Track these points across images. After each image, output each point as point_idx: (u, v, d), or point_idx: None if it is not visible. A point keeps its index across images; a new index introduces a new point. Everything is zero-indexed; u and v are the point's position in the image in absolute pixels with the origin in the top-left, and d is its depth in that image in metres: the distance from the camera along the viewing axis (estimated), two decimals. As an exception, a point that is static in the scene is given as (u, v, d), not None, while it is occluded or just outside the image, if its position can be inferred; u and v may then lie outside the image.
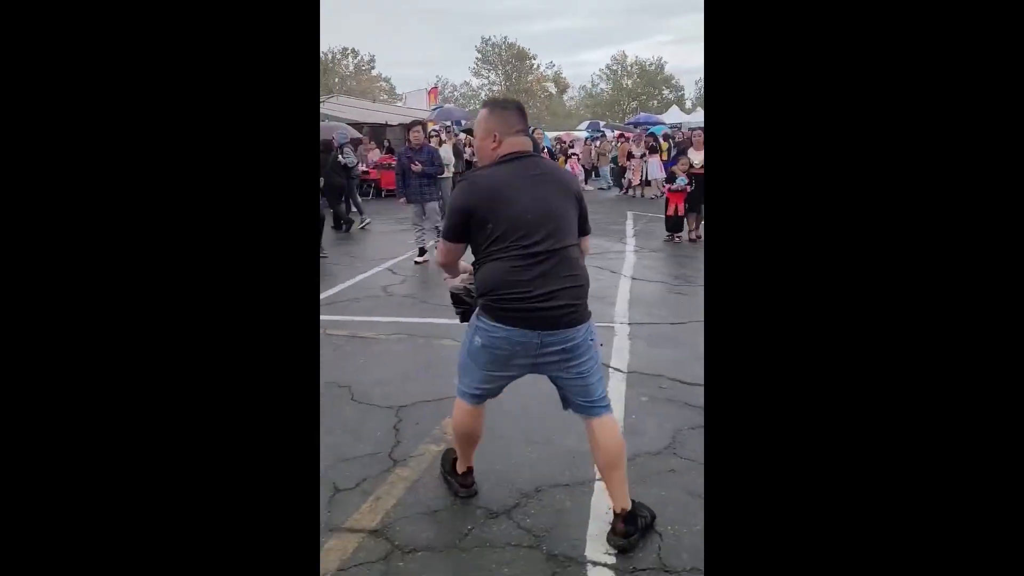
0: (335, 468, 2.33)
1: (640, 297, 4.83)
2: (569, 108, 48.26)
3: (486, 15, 68.37)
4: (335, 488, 2.21)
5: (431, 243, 6.09)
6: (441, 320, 4.13)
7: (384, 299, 4.94)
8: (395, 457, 2.44)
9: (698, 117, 23.93)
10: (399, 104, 24.85)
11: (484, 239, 1.79)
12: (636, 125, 22.46)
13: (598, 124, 24.51)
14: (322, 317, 4.19)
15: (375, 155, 13.74)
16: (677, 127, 21.25)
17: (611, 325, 4.06)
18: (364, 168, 12.70)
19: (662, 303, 4.72)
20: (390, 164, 11.33)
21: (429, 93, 23.42)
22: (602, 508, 2.05)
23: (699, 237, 7.15)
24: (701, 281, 5.27)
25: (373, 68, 46.52)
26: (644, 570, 1.78)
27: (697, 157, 7.06)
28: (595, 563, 1.81)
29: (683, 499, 2.11)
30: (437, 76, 54.95)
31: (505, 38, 46.20)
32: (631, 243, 7.34)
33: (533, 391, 2.56)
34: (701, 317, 4.42)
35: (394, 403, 2.91)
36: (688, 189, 6.98)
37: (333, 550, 1.87)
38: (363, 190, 12.08)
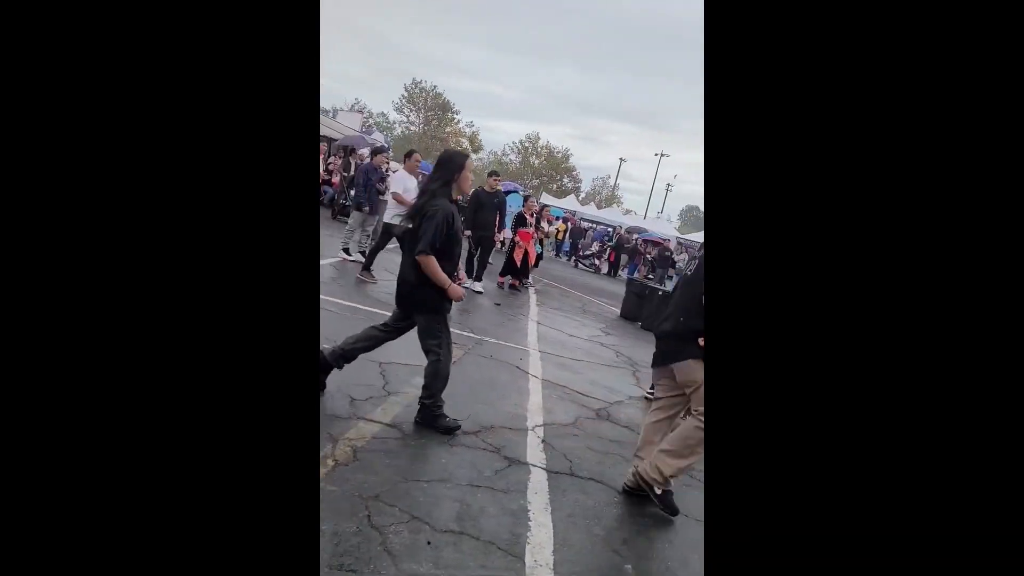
0: (345, 390, 3.21)
1: (544, 335, 6.11)
2: (477, 167, 50.80)
3: (420, 55, 70.65)
4: (351, 398, 3.10)
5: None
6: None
7: (335, 286, 5.73)
8: (388, 391, 3.37)
9: (591, 209, 26.92)
10: (328, 116, 25.13)
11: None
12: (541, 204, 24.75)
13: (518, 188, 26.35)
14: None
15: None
16: (572, 213, 23.87)
17: (528, 350, 5.27)
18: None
19: (559, 342, 6.02)
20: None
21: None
22: (535, 441, 3.15)
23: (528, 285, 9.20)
24: (587, 324, 6.72)
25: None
26: (558, 472, 2.90)
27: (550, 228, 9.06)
28: (533, 464, 2.90)
29: (582, 446, 3.29)
30: (356, 98, 55.34)
31: (435, 87, 48.23)
32: (534, 298, 8.72)
33: (480, 376, 3.63)
34: (587, 354, 5.82)
35: (376, 359, 3.81)
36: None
37: (359, 435, 2.77)
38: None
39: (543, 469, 2.88)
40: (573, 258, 19.43)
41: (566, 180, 48.59)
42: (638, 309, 8.61)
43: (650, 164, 61.76)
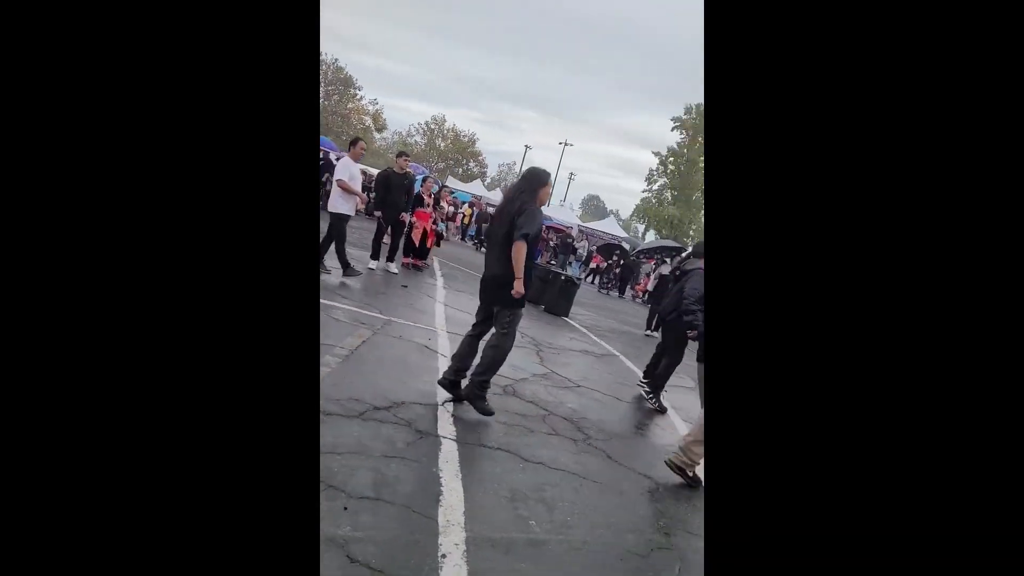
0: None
1: (451, 316, 6.23)
2: (380, 147, 49.45)
3: (326, 29, 67.10)
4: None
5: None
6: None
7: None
8: (297, 369, 3.36)
9: (497, 195, 27.19)
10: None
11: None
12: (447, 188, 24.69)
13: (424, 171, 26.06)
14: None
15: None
16: (479, 198, 24.02)
17: (436, 330, 5.37)
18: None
19: (466, 324, 6.18)
20: None
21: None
22: (445, 415, 3.30)
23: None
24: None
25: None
26: (467, 443, 3.06)
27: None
28: (444, 436, 3.05)
29: (490, 420, 3.48)
30: (251, 67, 51.69)
31: (336, 60, 46.18)
32: (440, 280, 8.79)
33: (390, 355, 3.71)
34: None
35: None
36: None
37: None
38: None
39: (453, 440, 3.03)
40: (476, 241, 19.61)
41: (472, 165, 48.58)
42: (541, 293, 8.96)
43: (554, 152, 63.15)
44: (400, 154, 8.08)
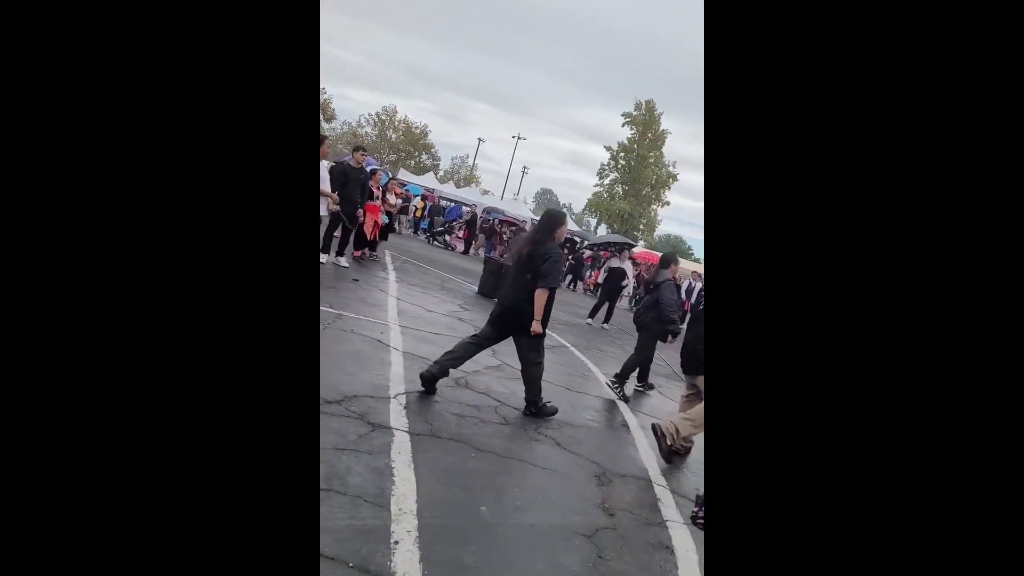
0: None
1: (404, 310, 6.24)
2: (329, 137, 48.28)
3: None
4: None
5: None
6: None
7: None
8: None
9: (450, 188, 27.08)
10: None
11: None
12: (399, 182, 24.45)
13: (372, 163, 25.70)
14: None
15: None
16: (431, 191, 23.87)
17: (389, 324, 5.38)
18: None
19: (419, 317, 6.19)
20: None
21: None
22: (398, 408, 3.33)
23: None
24: (445, 300, 6.98)
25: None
26: (419, 434, 3.11)
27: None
28: (396, 428, 3.09)
29: (442, 411, 3.54)
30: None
31: (282, 47, 44.76)
32: (392, 274, 8.75)
33: (342, 349, 3.72)
34: (447, 328, 6.08)
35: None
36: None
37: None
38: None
39: (406, 432, 3.08)
40: (429, 235, 19.51)
41: (425, 157, 48.11)
42: (495, 287, 9.04)
43: (507, 146, 63.18)
44: (357, 148, 8.05)
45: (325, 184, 6.57)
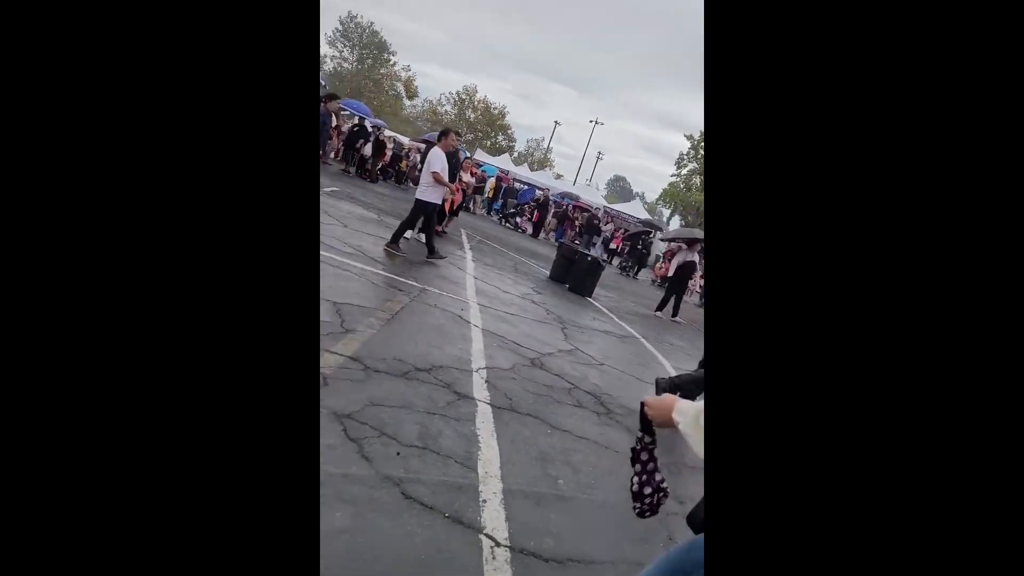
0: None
1: (482, 289, 6.48)
2: (410, 115, 49.42)
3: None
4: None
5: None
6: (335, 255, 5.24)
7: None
8: (346, 327, 3.63)
9: (524, 170, 27.20)
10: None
11: None
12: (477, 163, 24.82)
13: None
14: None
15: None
16: (505, 172, 24.09)
17: (468, 302, 5.63)
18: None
19: (495, 297, 6.41)
20: None
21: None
22: (480, 381, 3.55)
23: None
24: (519, 282, 7.18)
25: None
26: (500, 408, 3.31)
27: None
28: (479, 400, 3.30)
29: (519, 388, 3.73)
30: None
31: (372, 23, 45.99)
32: (469, 253, 9.03)
33: (428, 322, 3.96)
34: (521, 310, 6.28)
35: (331, 299, 4.03)
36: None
37: (326, 363, 3.04)
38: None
39: (488, 404, 3.28)
40: (501, 216, 19.76)
41: (501, 138, 48.36)
42: (566, 272, 9.15)
43: (583, 129, 62.39)
44: (449, 131, 8.30)
45: (446, 175, 6.86)
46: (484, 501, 2.28)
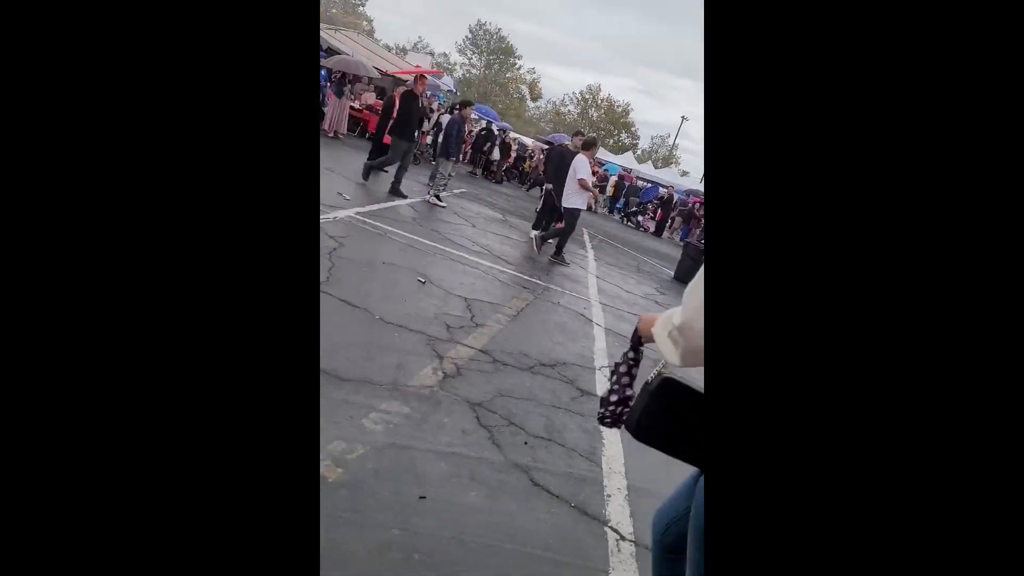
0: (441, 318, 3.69)
1: (604, 289, 6.49)
2: (533, 116, 50.21)
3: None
4: (447, 325, 3.57)
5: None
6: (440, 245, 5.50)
7: (412, 224, 6.20)
8: (476, 322, 3.84)
9: (648, 168, 26.55)
10: (400, 55, 25.26)
11: None
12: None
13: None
14: (383, 225, 5.44)
15: (370, 98, 14.56)
16: (628, 171, 23.67)
17: (591, 301, 5.68)
18: (357, 106, 13.61)
19: (617, 296, 6.39)
20: (377, 110, 12.35)
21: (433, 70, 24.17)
22: (602, 379, 3.58)
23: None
24: (642, 282, 7.07)
25: (363, 6, 45.81)
26: (625, 408, 3.33)
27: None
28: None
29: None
30: (419, 36, 54.91)
31: (499, 30, 47.33)
32: (591, 252, 9.05)
33: (552, 320, 4.05)
34: (644, 310, 6.19)
35: (463, 295, 4.28)
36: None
37: (459, 355, 3.24)
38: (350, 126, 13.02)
39: (611, 402, 3.31)
40: (623, 215, 19.43)
41: (624, 136, 47.58)
42: (692, 273, 8.83)
43: (712, 125, 59.22)
44: (577, 133, 8.45)
45: (590, 179, 6.99)
46: (608, 495, 2.33)
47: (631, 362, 1.33)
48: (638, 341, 1.30)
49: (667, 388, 1.20)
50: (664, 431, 1.22)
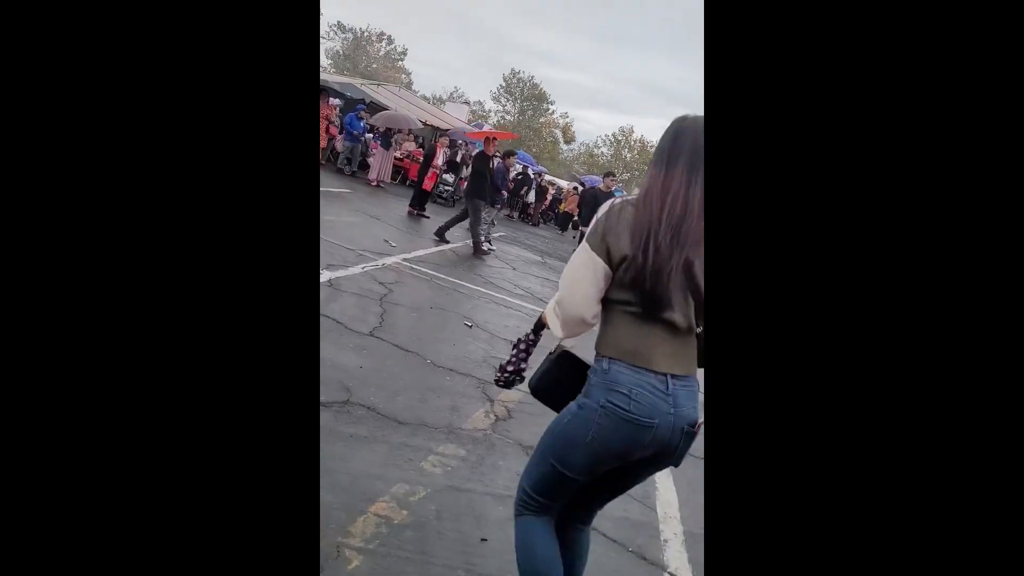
0: (491, 362, 3.76)
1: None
2: (566, 159, 51.04)
3: (512, 41, 71.25)
4: (495, 368, 3.64)
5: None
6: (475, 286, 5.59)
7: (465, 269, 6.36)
8: (523, 365, 3.91)
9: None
10: (437, 105, 26.29)
11: None
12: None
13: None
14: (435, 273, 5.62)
15: (410, 146, 15.13)
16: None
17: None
18: (399, 154, 14.15)
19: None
20: (418, 159, 12.83)
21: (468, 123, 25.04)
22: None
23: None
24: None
25: (402, 60, 48.05)
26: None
27: None
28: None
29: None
30: (456, 86, 57.11)
31: (532, 77, 48.82)
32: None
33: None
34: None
35: (510, 338, 4.36)
36: None
37: (509, 398, 3.30)
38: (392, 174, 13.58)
39: (661, 445, 3.29)
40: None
41: (658, 175, 47.57)
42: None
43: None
44: (608, 174, 8.65)
45: None
46: (665, 540, 2.32)
47: (531, 343, 1.60)
48: (539, 326, 1.56)
49: (564, 358, 1.53)
50: (554, 389, 1.51)
